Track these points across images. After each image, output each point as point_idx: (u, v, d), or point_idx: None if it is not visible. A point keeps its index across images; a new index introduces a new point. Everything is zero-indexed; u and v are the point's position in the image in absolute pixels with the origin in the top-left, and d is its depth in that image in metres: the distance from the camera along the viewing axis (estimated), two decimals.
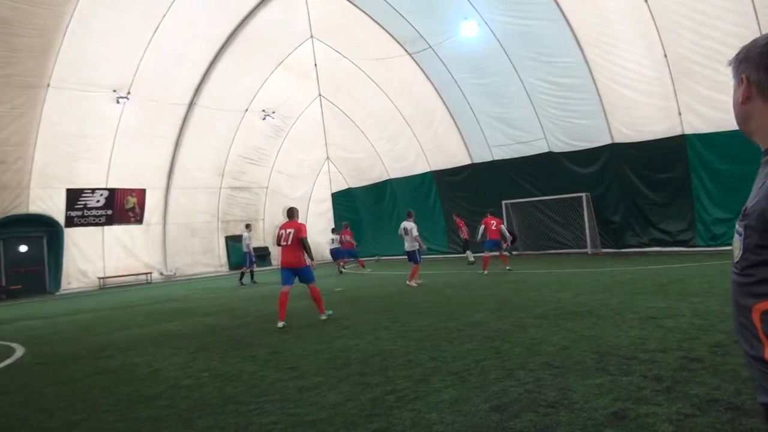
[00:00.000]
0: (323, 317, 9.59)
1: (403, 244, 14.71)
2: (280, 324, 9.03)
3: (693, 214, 17.47)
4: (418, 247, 14.16)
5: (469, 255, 21.08)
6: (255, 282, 20.14)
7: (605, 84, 18.17)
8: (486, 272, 15.66)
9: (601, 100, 18.47)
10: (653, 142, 17.86)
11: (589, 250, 19.83)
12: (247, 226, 21.62)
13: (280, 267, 9.77)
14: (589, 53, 17.98)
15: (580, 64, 18.25)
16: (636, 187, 18.82)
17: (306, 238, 9.53)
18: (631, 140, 18.49)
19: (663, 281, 10.92)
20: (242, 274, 20.37)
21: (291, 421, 4.37)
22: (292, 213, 9.90)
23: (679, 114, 16.94)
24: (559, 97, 19.59)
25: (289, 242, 9.45)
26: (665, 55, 16.36)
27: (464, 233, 21.37)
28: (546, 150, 21.12)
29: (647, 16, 16.12)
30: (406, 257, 14.68)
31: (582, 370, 5.06)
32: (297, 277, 9.37)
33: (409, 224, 14.22)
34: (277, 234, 9.91)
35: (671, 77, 16.60)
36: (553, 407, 4.12)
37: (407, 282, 13.85)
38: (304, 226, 9.79)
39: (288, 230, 9.57)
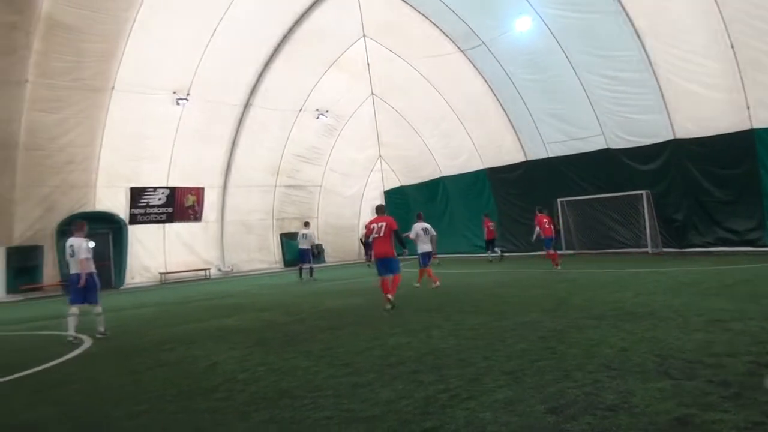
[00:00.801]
0: (390, 300, 10.34)
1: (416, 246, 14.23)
2: (388, 305, 10.30)
3: (762, 213, 16.67)
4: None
5: (490, 254, 21.79)
6: (314, 278, 20.44)
7: (666, 77, 17.55)
8: (559, 268, 15.83)
9: (662, 94, 17.85)
10: (719, 138, 17.13)
11: (649, 249, 19.21)
12: (306, 224, 22.08)
13: (375, 258, 11.12)
14: (649, 46, 17.40)
15: (640, 57, 17.69)
16: (700, 185, 18.09)
17: (398, 230, 10.75)
18: (694, 135, 17.81)
19: (729, 282, 10.46)
20: (310, 269, 20.90)
21: (345, 417, 4.41)
22: (382, 209, 11.35)
23: (747, 108, 16.19)
24: (618, 92, 19.05)
25: (381, 234, 10.59)
26: (732, 46, 15.67)
27: (489, 233, 22.11)
28: (603, 146, 20.58)
29: (712, 6, 15.48)
30: (421, 258, 13.89)
31: (643, 373, 4.90)
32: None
33: (428, 225, 14.05)
34: (368, 228, 11.04)
35: (738, 69, 15.87)
36: (612, 410, 4.01)
37: (434, 284, 13.36)
38: (394, 219, 10.80)
39: (380, 224, 10.67)
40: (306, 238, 20.85)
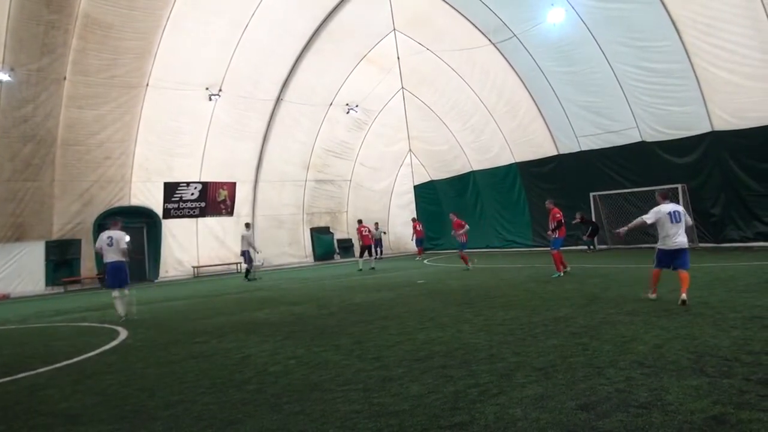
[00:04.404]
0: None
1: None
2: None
3: None
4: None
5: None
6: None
7: (704, 68, 17.11)
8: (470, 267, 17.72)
9: (699, 85, 17.42)
10: (760, 129, 16.67)
11: None
12: (247, 225, 22.10)
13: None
14: (687, 36, 16.98)
15: (677, 47, 17.28)
16: (739, 178, 17.62)
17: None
18: (733, 128, 17.35)
19: None
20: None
21: (374, 411, 4.43)
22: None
23: None
24: (653, 84, 18.65)
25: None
26: None
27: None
28: (638, 139, 20.19)
29: None
30: (659, 256, 9.07)
31: (677, 370, 4.81)
32: None
33: (680, 208, 9.32)
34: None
35: None
36: (645, 408, 3.95)
37: (681, 296, 8.33)
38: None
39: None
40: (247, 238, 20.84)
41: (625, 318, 7.37)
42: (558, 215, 14.08)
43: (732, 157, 17.66)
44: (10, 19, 18.06)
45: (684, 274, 8.46)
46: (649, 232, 20.19)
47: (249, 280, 20.33)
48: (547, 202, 14.83)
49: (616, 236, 9.52)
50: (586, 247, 21.61)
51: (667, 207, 8.98)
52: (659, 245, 9.00)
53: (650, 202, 19.71)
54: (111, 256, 11.19)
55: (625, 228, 9.54)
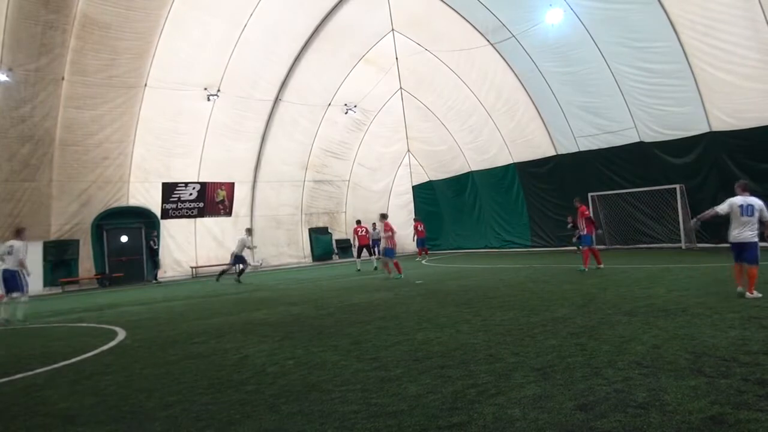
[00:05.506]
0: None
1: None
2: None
3: None
4: None
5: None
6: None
7: (702, 69, 17.12)
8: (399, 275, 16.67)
9: (697, 85, 17.44)
10: (757, 130, 16.68)
11: (683, 244, 18.82)
12: (248, 230, 21.85)
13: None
14: (685, 37, 16.99)
15: (675, 48, 17.29)
16: (736, 178, 17.52)
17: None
18: (731, 128, 17.36)
19: (766, 278, 10.17)
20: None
21: (372, 411, 4.43)
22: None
23: None
24: (651, 84, 18.66)
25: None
26: None
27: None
28: (636, 140, 20.20)
29: None
30: (734, 250, 8.82)
31: (675, 370, 4.81)
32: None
33: (755, 200, 8.63)
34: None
35: None
36: (643, 408, 3.95)
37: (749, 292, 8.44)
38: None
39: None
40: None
41: (623, 318, 7.38)
42: (586, 212, 14.84)
43: (730, 158, 17.67)
44: (8, 18, 18.04)
45: (751, 270, 8.30)
46: (648, 233, 20.29)
47: (219, 280, 20.65)
48: (575, 200, 15.68)
49: (691, 227, 9.19)
50: (575, 248, 21.73)
51: (740, 199, 8.57)
52: (729, 237, 8.75)
53: (648, 203, 19.92)
54: (9, 264, 12.06)
55: (697, 220, 9.26)
